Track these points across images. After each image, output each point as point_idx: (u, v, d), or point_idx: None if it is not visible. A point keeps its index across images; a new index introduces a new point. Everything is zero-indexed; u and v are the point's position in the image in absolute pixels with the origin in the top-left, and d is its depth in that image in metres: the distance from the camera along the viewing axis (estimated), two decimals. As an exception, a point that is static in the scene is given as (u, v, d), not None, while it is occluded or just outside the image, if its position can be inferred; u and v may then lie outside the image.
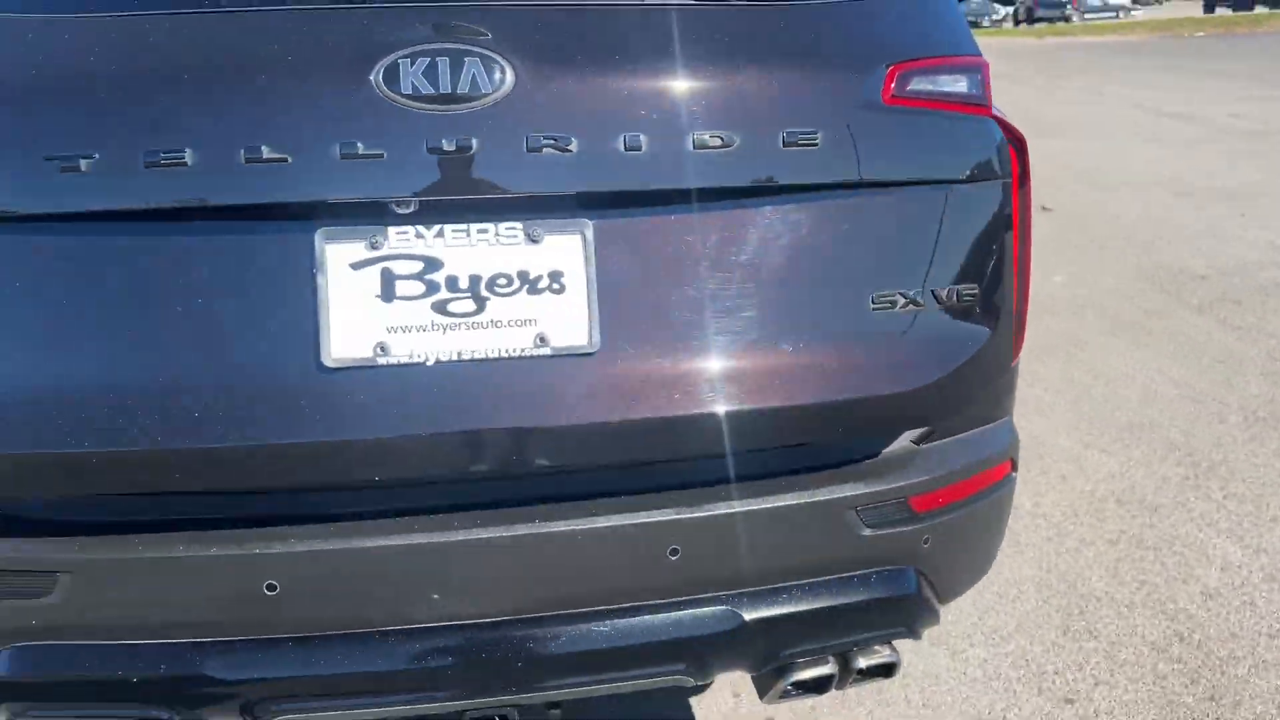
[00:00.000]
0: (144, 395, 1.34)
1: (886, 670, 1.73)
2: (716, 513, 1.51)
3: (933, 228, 1.57)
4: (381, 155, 1.36)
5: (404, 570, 1.46)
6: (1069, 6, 47.55)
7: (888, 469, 1.63)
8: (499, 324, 1.40)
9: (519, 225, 1.42)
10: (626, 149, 1.42)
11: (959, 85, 1.61)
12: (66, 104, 1.38)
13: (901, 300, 1.52)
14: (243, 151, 1.35)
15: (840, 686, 1.73)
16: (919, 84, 1.57)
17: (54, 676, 1.52)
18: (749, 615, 1.58)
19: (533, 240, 1.42)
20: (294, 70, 1.40)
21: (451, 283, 1.39)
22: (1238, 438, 3.55)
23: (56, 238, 1.36)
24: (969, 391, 1.63)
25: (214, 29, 1.44)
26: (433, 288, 1.39)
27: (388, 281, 1.38)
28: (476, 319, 1.39)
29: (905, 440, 1.67)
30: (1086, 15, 47.48)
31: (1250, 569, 2.74)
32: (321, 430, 1.35)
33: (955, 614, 2.58)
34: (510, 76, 1.39)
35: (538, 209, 1.42)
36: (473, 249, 1.40)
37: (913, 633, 1.72)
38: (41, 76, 1.39)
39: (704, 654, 1.59)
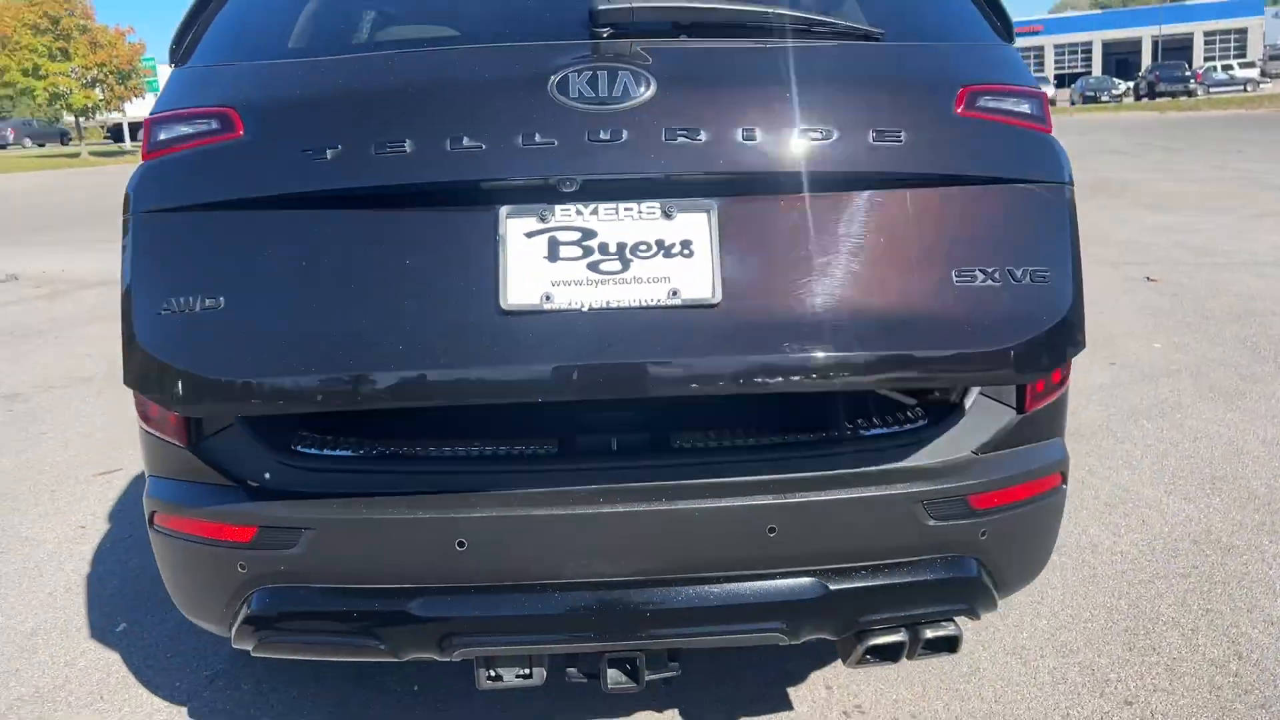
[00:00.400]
0: (370, 333, 1.77)
1: (950, 643, 2.05)
2: (806, 499, 1.89)
3: (1005, 217, 1.90)
4: (553, 143, 1.80)
5: (560, 536, 1.88)
6: (1193, 80, 46.68)
7: (950, 471, 1.98)
8: (640, 280, 1.79)
9: (657, 204, 1.83)
10: (743, 142, 1.83)
11: (1021, 107, 1.99)
12: (325, 114, 1.89)
13: (980, 275, 1.83)
14: (448, 141, 1.81)
15: (910, 656, 2.05)
16: (985, 102, 1.96)
17: (291, 611, 1.97)
18: (833, 586, 1.93)
19: (668, 216, 1.83)
20: (489, 81, 1.88)
21: (603, 248, 1.80)
22: (1319, 491, 3.73)
23: (313, 212, 1.84)
24: (1042, 358, 1.87)
25: (429, 56, 2.00)
26: (588, 252, 1.80)
27: (553, 247, 1.80)
28: (622, 276, 1.79)
29: (966, 449, 2.03)
30: (1212, 89, 46.54)
31: (1315, 603, 2.95)
32: (498, 360, 1.75)
33: (1029, 630, 2.87)
34: (653, 86, 1.84)
35: (672, 191, 1.84)
36: (620, 223, 1.82)
37: (972, 612, 2.05)
38: (306, 96, 1.92)
39: (796, 617, 1.95)
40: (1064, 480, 2.15)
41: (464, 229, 1.83)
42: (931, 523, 1.95)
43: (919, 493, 1.94)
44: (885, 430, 2.04)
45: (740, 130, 1.84)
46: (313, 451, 2.00)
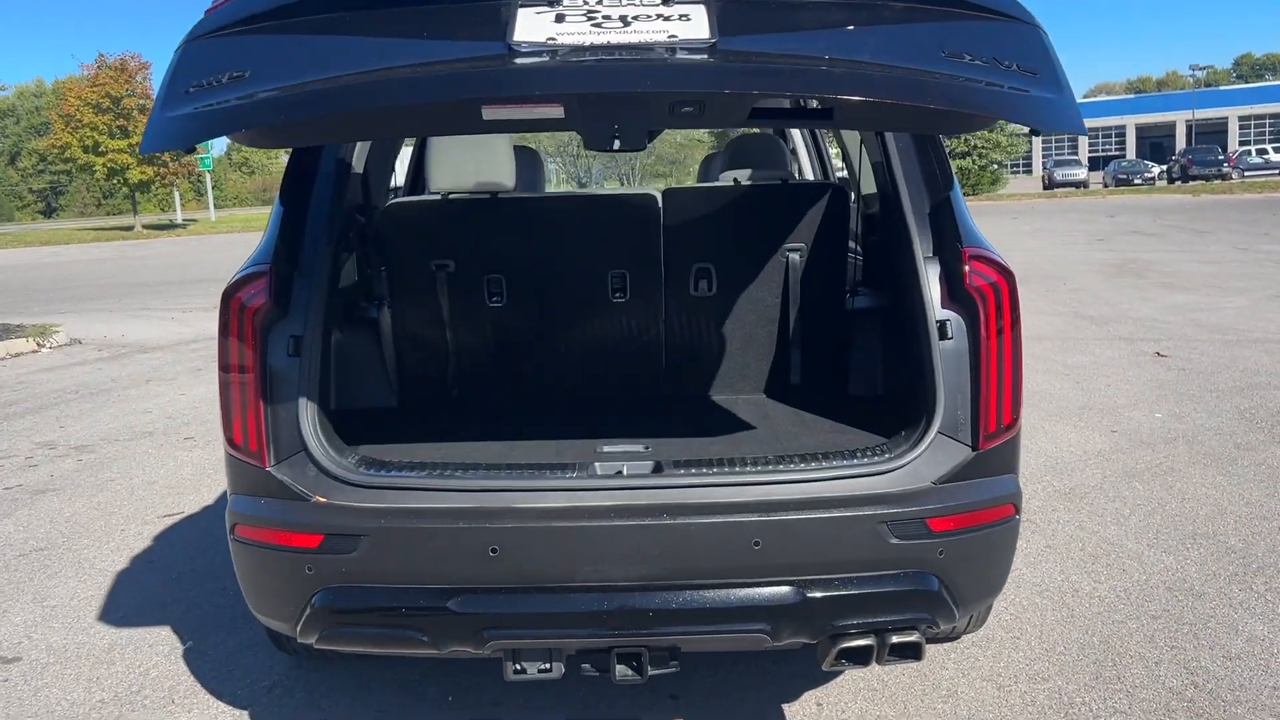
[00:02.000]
0: (392, 55, 2.02)
1: (914, 649, 2.35)
2: (785, 517, 2.24)
3: (992, 32, 2.11)
4: None
5: (576, 546, 2.23)
6: (1226, 164, 46.96)
7: (911, 497, 2.31)
8: (640, 32, 2.05)
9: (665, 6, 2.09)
10: None
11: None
12: None
13: (967, 56, 2.02)
14: None
15: (879, 660, 2.36)
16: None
17: (349, 607, 2.33)
18: (810, 594, 2.27)
19: (667, 4, 2.08)
20: None
21: (606, 18, 2.07)
22: (1293, 546, 4.00)
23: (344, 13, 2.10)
24: (1030, 115, 2.06)
25: None
26: (593, 20, 2.06)
27: (560, 18, 2.06)
28: (623, 29, 2.05)
29: (926, 480, 2.35)
30: (1246, 173, 46.77)
31: (1273, 642, 3.21)
32: (508, 67, 2.01)
33: (1006, 660, 3.16)
34: None
35: None
36: (623, 7, 2.09)
37: (934, 621, 2.36)
38: None
39: (777, 619, 2.28)
40: (1017, 511, 2.47)
41: (495, 14, 2.08)
42: (894, 541, 2.28)
43: (883, 514, 2.27)
44: (856, 460, 2.37)
45: None
46: (370, 472, 2.37)
